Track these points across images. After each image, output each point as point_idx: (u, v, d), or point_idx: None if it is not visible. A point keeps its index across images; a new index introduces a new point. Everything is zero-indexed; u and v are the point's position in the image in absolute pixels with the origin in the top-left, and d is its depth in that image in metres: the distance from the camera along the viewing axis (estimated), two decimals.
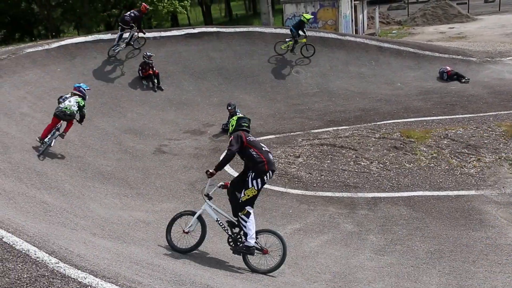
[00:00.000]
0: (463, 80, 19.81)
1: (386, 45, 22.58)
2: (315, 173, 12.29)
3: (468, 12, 41.32)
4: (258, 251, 8.09)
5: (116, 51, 18.73)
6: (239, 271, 7.88)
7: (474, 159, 12.45)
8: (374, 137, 13.95)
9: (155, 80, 18.09)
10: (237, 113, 15.58)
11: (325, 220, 10.24)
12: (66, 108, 12.11)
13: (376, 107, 17.22)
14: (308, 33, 21.71)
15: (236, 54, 20.71)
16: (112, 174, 12.01)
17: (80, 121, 12.56)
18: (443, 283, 7.98)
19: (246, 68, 20.22)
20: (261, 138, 14.73)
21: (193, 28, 22.10)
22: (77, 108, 12.30)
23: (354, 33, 30.44)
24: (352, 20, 31.19)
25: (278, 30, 22.56)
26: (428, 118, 15.55)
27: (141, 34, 19.22)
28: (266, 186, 11.43)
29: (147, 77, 18.11)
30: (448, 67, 20.55)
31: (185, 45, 20.51)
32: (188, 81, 19.06)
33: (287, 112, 17.39)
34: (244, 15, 65.01)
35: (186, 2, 36.86)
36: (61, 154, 12.36)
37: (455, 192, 11.06)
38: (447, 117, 15.59)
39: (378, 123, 15.23)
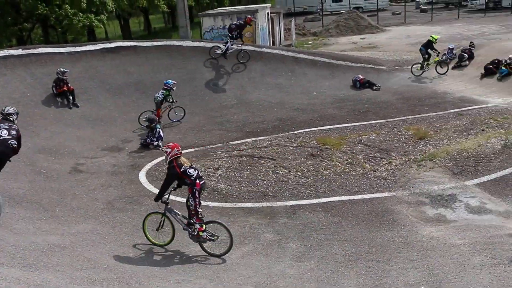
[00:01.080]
0: (375, 88, 20.50)
1: (301, 56, 23.01)
2: (234, 185, 12.25)
3: (377, 23, 42.96)
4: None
5: (218, 52, 21.11)
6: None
7: (386, 162, 12.86)
8: (292, 146, 14.12)
9: (70, 97, 17.41)
10: (157, 128, 15.36)
11: (246, 231, 10.18)
12: (155, 98, 16.63)
13: (293, 116, 17.46)
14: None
15: (154, 68, 20.38)
16: (24, 197, 11.36)
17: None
18: (361, 284, 8.11)
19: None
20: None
21: (110, 43, 21.58)
22: (162, 98, 16.81)
23: (271, 44, 30.80)
24: (269, 32, 31.56)
25: (196, 44, 22.45)
26: (343, 125, 15.97)
27: (244, 47, 21.28)
28: (185, 200, 11.38)
29: (62, 94, 17.38)
30: (360, 76, 21.21)
31: (101, 60, 19.93)
32: (105, 97, 18.54)
33: (206, 124, 17.28)
34: (163, 28, 64.46)
35: (102, 16, 36.05)
36: None
37: (369, 195, 11.33)
38: (360, 123, 16.07)
39: (295, 132, 15.45)
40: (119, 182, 12.76)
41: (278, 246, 9.58)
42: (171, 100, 17.33)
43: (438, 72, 21.93)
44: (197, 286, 7.96)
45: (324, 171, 12.58)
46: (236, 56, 21.21)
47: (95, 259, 8.76)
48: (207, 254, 9.22)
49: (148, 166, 13.73)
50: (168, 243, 9.50)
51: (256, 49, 22.96)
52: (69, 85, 17.46)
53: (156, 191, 11.83)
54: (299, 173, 12.60)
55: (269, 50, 23.32)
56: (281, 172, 12.67)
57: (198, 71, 20.80)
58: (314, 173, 12.52)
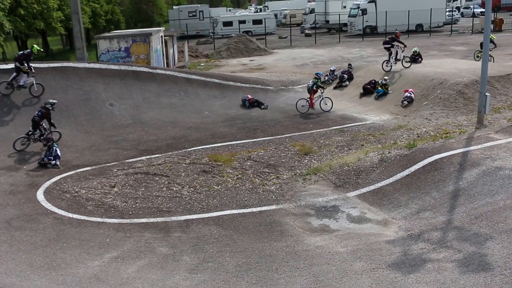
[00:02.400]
0: (263, 107, 21.04)
1: (194, 77, 23.17)
2: (130, 201, 12.03)
3: (265, 46, 44.14)
4: None
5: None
6: None
7: (274, 177, 13.20)
8: (185, 163, 14.12)
9: None
10: (54, 147, 14.80)
11: (141, 246, 10.02)
12: (307, 85, 20.07)
13: (186, 134, 17.49)
14: (121, 67, 21.49)
15: (51, 89, 19.60)
16: None
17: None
18: None
19: (61, 102, 19.10)
20: (78, 170, 14.15)
21: (6, 64, 20.48)
22: (312, 85, 19.83)
23: (165, 66, 30.71)
24: (163, 54, 31.45)
25: (92, 65, 21.93)
26: (233, 142, 16.23)
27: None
28: (83, 217, 11.07)
29: None
30: (249, 95, 21.68)
31: None
32: (1, 117, 17.56)
33: (103, 143, 16.87)
34: (62, 50, 62.08)
35: None
36: None
37: (259, 208, 11.54)
38: (250, 140, 16.42)
39: (188, 149, 15.49)
40: (17, 201, 12.13)
41: (172, 259, 9.51)
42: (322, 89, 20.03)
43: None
44: None
45: (215, 187, 12.69)
46: None
47: None
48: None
49: (46, 184, 13.16)
50: None
51: (150, 70, 22.87)
52: None
53: (54, 209, 11.47)
54: (192, 188, 12.61)
55: (163, 72, 23.29)
56: (175, 188, 12.62)
57: (94, 91, 20.31)
58: (206, 189, 12.59)
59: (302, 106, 20.08)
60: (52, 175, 13.90)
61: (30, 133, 16.00)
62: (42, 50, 37.42)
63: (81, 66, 21.58)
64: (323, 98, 20.08)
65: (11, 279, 8.45)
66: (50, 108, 16.34)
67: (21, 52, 19.73)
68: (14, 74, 18.91)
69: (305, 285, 8.33)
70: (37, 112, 16.32)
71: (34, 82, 19.16)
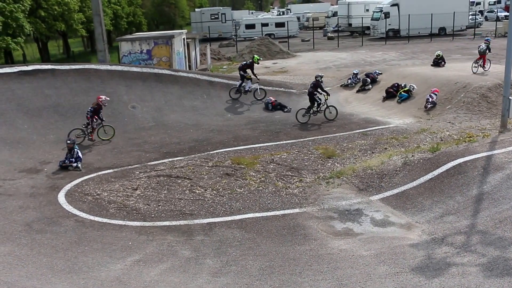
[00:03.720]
0: (286, 110, 21.01)
1: (216, 79, 23.28)
2: (152, 204, 12.10)
3: (288, 49, 44.11)
4: None
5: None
6: None
7: (297, 180, 13.17)
8: (208, 166, 14.17)
9: None
10: (75, 149, 14.95)
11: (164, 249, 10.07)
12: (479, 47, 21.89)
13: (209, 137, 17.55)
14: (143, 70, 21.69)
15: (72, 91, 19.94)
16: None
17: None
18: None
19: (83, 104, 19.44)
20: (100, 173, 14.28)
21: (27, 66, 20.87)
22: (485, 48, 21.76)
23: (187, 68, 30.89)
24: (185, 57, 31.65)
25: (114, 67, 22.19)
26: (256, 145, 16.24)
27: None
28: (105, 220, 11.13)
29: None
30: (272, 98, 21.67)
31: (18, 82, 19.27)
32: (23, 119, 17.87)
33: (125, 146, 17.01)
34: (83, 52, 62.88)
35: (20, 38, 34.63)
36: None
37: (282, 212, 11.52)
38: (272, 143, 16.40)
39: (211, 152, 15.54)
40: (38, 204, 12.27)
41: (195, 262, 9.54)
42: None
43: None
44: None
45: (238, 189, 12.70)
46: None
47: (12, 282, 8.42)
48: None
49: (68, 187, 13.30)
50: None
51: (173, 73, 23.05)
52: None
53: (76, 212, 11.58)
54: (214, 191, 12.64)
55: (185, 74, 23.43)
56: (197, 191, 12.66)
57: (116, 94, 20.52)
58: (229, 192, 12.60)
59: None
60: (73, 178, 14.04)
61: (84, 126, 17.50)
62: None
63: (103, 68, 21.85)
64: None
65: (32, 283, 8.53)
66: (106, 104, 17.82)
67: (244, 62, 23.50)
68: (240, 82, 22.45)
69: None
70: (89, 108, 17.62)
71: (258, 87, 22.46)
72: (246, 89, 22.21)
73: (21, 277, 8.73)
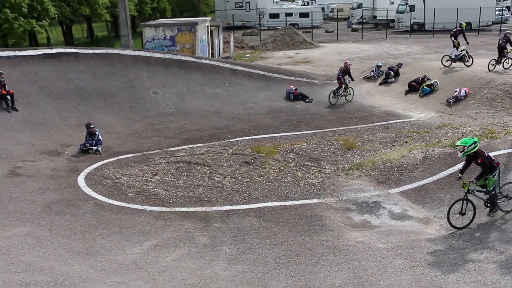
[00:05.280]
0: (307, 100, 20.88)
1: (239, 68, 23.19)
2: (171, 190, 12.13)
3: (312, 39, 43.74)
4: None
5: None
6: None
7: (316, 170, 13.09)
8: (227, 154, 14.15)
9: (9, 101, 16.78)
10: (96, 133, 15.03)
11: (181, 235, 10.10)
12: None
13: (229, 125, 17.53)
14: (166, 56, 21.70)
15: (95, 75, 20.00)
16: None
17: None
18: (290, 285, 8.21)
19: (105, 89, 19.59)
20: (120, 157, 14.36)
21: (51, 48, 20.98)
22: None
23: (210, 56, 30.82)
24: (208, 44, 31.58)
25: (137, 53, 22.21)
26: (276, 134, 16.17)
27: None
28: (123, 204, 11.19)
29: (1, 97, 16.73)
30: (292, 86, 21.56)
31: (42, 65, 19.34)
32: (45, 102, 17.98)
33: (145, 131, 17.07)
34: (106, 37, 63.17)
35: (44, 21, 34.90)
36: None
37: (300, 201, 11.49)
38: (293, 133, 16.32)
39: (231, 140, 15.52)
40: (58, 186, 12.39)
41: (212, 249, 9.56)
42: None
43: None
44: None
45: (257, 178, 12.67)
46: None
47: (31, 262, 8.50)
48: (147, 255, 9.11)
49: (88, 170, 13.40)
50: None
51: (195, 60, 23.00)
52: (6, 87, 16.84)
53: (95, 195, 11.66)
54: (233, 179, 12.63)
55: (208, 62, 23.37)
56: (216, 178, 12.66)
57: (138, 79, 20.57)
58: (248, 180, 12.58)
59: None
60: (93, 161, 14.14)
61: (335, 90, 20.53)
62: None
63: (126, 53, 21.86)
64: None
65: (50, 263, 8.62)
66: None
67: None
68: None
69: (345, 280, 8.25)
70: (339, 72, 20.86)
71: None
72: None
73: (39, 257, 8.84)
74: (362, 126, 17.14)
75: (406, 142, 14.98)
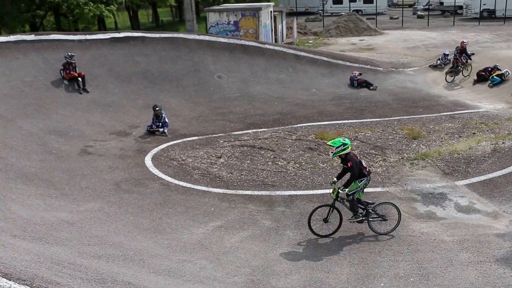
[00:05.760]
0: (371, 88, 20.54)
1: (302, 53, 23.05)
2: (235, 173, 12.28)
3: (376, 26, 42.82)
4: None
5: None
6: (162, 267, 7.72)
7: (380, 159, 12.90)
8: (291, 139, 14.16)
9: (80, 82, 17.42)
10: (163, 115, 15.37)
11: (245, 217, 10.23)
12: None
13: (293, 111, 17.50)
14: (230, 41, 21.84)
15: (161, 59, 20.41)
16: (36, 175, 11.44)
17: None
18: (353, 273, 8.16)
19: (171, 72, 19.97)
20: (185, 139, 14.64)
21: (119, 32, 21.56)
22: None
23: (273, 42, 30.79)
24: (272, 30, 31.53)
25: (202, 37, 22.49)
26: (340, 121, 16.04)
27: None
28: (189, 185, 11.42)
29: (72, 79, 17.40)
30: (357, 72, 21.25)
31: (110, 48, 19.94)
32: (114, 84, 18.55)
33: (210, 115, 17.32)
34: (171, 22, 64.19)
35: (112, 6, 35.87)
36: None
37: (364, 189, 11.32)
38: (357, 120, 16.13)
39: (295, 126, 15.51)
40: (126, 165, 12.80)
41: (275, 233, 9.63)
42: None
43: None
44: (197, 267, 8.01)
45: (321, 164, 12.62)
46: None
47: (102, 236, 8.82)
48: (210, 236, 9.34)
49: (154, 151, 13.77)
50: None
51: (259, 45, 23.04)
52: (78, 70, 17.48)
53: (161, 175, 11.96)
54: (297, 165, 12.64)
55: (271, 47, 23.37)
56: (280, 163, 12.71)
57: (203, 63, 20.84)
58: (311, 166, 12.56)
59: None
60: (159, 142, 14.50)
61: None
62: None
63: (191, 38, 22.14)
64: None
65: (119, 239, 8.92)
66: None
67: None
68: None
69: (408, 270, 8.12)
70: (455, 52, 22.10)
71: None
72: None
73: (110, 232, 9.17)
74: (428, 115, 16.71)
75: (474, 133, 14.52)
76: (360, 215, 9.43)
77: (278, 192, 11.32)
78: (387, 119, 16.25)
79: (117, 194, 11.17)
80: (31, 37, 18.64)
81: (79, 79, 17.40)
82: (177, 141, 14.57)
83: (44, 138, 13.90)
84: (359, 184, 9.25)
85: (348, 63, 22.95)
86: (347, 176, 9.30)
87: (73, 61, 17.45)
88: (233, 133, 15.10)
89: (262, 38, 28.29)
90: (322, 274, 8.11)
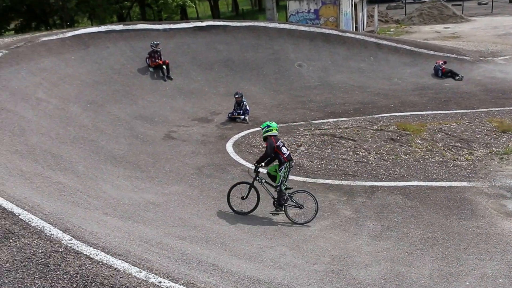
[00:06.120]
0: (457, 78, 19.73)
1: (384, 42, 22.51)
2: (316, 162, 12.24)
3: (462, 13, 41.02)
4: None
5: None
6: (243, 251, 7.84)
7: (466, 152, 12.41)
8: (372, 129, 13.91)
9: (165, 70, 17.97)
10: (244, 102, 15.55)
11: (325, 206, 10.18)
12: None
13: (374, 100, 17.16)
14: (311, 29, 21.68)
15: (242, 47, 20.62)
16: (124, 157, 11.97)
17: None
18: (436, 269, 7.92)
19: (251, 60, 20.15)
20: None
21: (201, 22, 21.98)
22: None
23: (354, 30, 30.24)
24: (352, 18, 30.96)
25: (282, 25, 22.47)
26: (424, 112, 15.54)
27: None
28: None
29: (157, 67, 17.98)
30: (441, 61, 20.50)
31: (193, 37, 20.41)
32: (196, 72, 18.97)
33: (290, 103, 17.33)
34: (250, 10, 64.59)
35: None
36: (75, 138, 12.31)
37: (448, 183, 10.99)
38: (441, 112, 15.56)
39: (376, 116, 15.20)
40: (208, 151, 13.09)
41: (355, 223, 9.53)
42: None
43: None
44: (277, 253, 8.07)
45: (403, 156, 12.33)
46: None
47: (185, 218, 9.09)
48: (291, 223, 9.41)
49: (235, 137, 13.97)
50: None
51: (340, 33, 22.71)
52: (162, 58, 18.03)
53: (242, 162, 12.14)
54: (378, 155, 12.41)
55: (352, 35, 22.96)
56: (361, 153, 12.53)
57: (283, 52, 20.83)
58: (393, 157, 12.29)
59: None
60: (240, 129, 14.69)
61: None
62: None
63: (272, 26, 22.18)
64: None
65: (202, 221, 9.14)
66: None
67: None
68: None
69: (497, 271, 7.75)
70: None
71: None
72: None
73: (193, 215, 9.42)
74: None
75: None
76: (283, 208, 9.61)
77: (358, 183, 11.18)
78: (473, 110, 15.55)
79: (199, 178, 11.46)
80: (120, 27, 19.45)
81: (164, 66, 17.95)
82: (258, 129, 14.64)
83: (131, 123, 14.48)
84: (280, 174, 9.47)
85: (432, 52, 22.13)
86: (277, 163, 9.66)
87: (158, 49, 18.02)
88: (313, 121, 15.02)
89: (342, 26, 27.88)
90: (403, 268, 7.94)
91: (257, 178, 9.70)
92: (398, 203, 10.22)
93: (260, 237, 8.76)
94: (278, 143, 9.53)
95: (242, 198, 9.74)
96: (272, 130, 9.66)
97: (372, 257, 8.29)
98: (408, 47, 22.34)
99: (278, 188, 9.52)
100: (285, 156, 9.48)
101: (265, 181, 9.73)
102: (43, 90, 14.25)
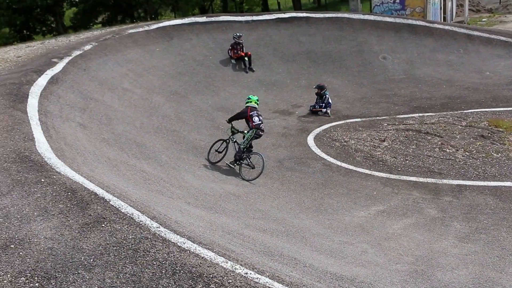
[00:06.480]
0: None
1: (475, 33, 21.45)
2: (399, 158, 11.91)
3: None
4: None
5: None
6: (324, 246, 7.76)
7: None
8: (461, 125, 13.32)
9: (247, 61, 18.11)
10: (326, 95, 15.40)
11: (409, 204, 9.89)
12: None
13: (463, 95, 16.41)
14: (396, 20, 21.08)
15: (325, 39, 20.43)
16: (205, 148, 12.19)
17: None
18: None
19: (334, 52, 19.91)
20: (348, 120, 14.53)
21: (284, 13, 21.98)
22: None
23: (442, 20, 29.08)
24: (440, 8, 29.79)
25: (366, 17, 22.01)
26: None
27: None
28: (351, 167, 11.36)
29: (239, 59, 18.17)
30: None
31: (275, 29, 20.45)
32: (278, 64, 18.99)
33: (373, 96, 16.95)
34: (332, 1, 63.70)
35: None
36: (158, 128, 12.68)
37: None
38: None
39: (465, 111, 14.53)
40: (289, 143, 13.09)
41: (441, 223, 9.17)
42: None
43: None
44: (359, 250, 7.92)
45: (495, 154, 11.70)
46: None
47: (266, 211, 9.14)
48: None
49: (316, 131, 13.88)
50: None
51: (427, 24, 21.92)
52: (244, 50, 18.18)
53: (323, 155, 12.05)
54: (467, 153, 11.86)
55: (440, 26, 22.07)
56: (448, 150, 12.03)
57: (367, 43, 20.43)
58: (483, 155, 11.70)
59: None
60: (322, 123, 14.55)
61: None
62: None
63: (356, 18, 21.79)
64: None
65: (283, 214, 9.14)
66: None
67: None
68: None
69: None
70: None
71: None
72: None
73: (273, 208, 9.45)
74: None
75: None
76: (237, 161, 11.29)
77: (445, 181, 10.75)
78: None
79: (280, 171, 11.48)
80: (203, 19, 19.84)
81: (246, 58, 18.11)
82: (340, 122, 14.52)
83: (212, 114, 14.73)
84: (247, 135, 11.35)
85: None
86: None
87: (241, 41, 18.19)
88: (397, 116, 14.61)
89: (430, 16, 26.91)
90: (493, 273, 7.52)
91: (231, 137, 11.69)
92: (489, 204, 9.71)
93: (341, 233, 8.63)
94: (251, 113, 11.36)
95: (217, 151, 11.66)
96: (251, 102, 11.66)
97: (459, 259, 7.93)
98: (503, 38, 21.12)
99: (240, 146, 11.26)
100: (254, 124, 11.29)
101: (236, 141, 11.59)
102: (129, 81, 14.79)
